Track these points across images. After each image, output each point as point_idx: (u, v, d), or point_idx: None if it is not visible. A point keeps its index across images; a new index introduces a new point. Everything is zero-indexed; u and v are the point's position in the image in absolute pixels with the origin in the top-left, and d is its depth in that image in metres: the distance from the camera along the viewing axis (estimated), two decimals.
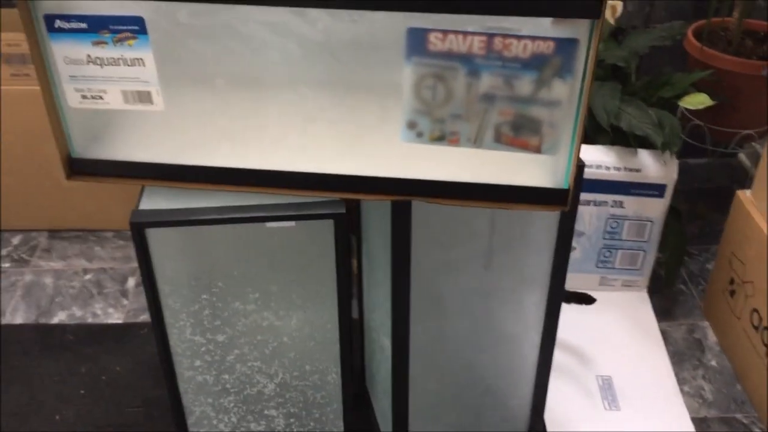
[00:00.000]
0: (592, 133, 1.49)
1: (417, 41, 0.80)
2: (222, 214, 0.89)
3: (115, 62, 0.85)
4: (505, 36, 0.79)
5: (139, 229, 0.88)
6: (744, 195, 1.42)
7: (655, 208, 1.50)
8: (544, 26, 0.77)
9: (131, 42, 0.84)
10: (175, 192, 0.92)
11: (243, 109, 0.87)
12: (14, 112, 1.63)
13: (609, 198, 1.49)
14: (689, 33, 1.67)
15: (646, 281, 1.59)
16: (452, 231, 1.01)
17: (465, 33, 0.79)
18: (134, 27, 0.83)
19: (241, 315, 0.98)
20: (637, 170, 1.47)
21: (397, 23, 0.79)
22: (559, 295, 1.10)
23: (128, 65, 0.85)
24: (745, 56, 1.63)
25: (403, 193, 0.91)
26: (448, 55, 0.81)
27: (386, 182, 0.90)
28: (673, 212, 1.52)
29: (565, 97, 0.82)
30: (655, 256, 1.56)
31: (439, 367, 1.16)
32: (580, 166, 0.97)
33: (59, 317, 1.60)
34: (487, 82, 0.82)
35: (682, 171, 1.89)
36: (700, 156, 1.88)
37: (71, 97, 0.88)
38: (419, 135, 0.87)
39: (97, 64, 0.85)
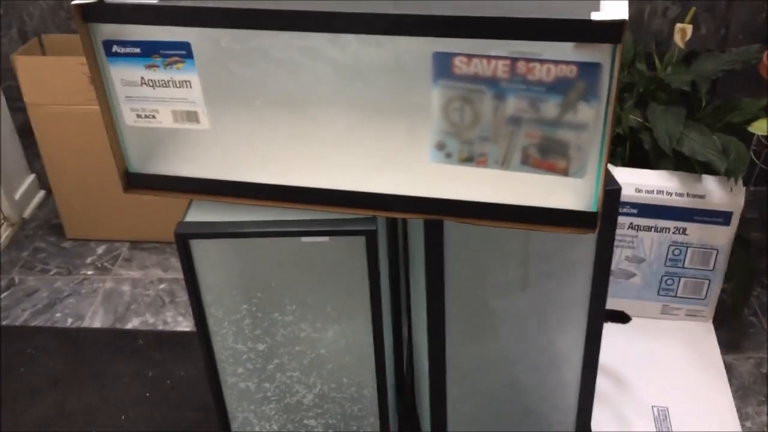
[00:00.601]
0: (655, 158, 1.46)
1: (443, 65, 0.83)
2: (260, 228, 0.94)
3: (165, 84, 0.92)
4: (528, 60, 0.80)
5: (183, 240, 0.94)
6: None
7: (721, 236, 1.45)
8: (567, 51, 0.78)
9: (179, 65, 0.90)
10: (219, 206, 0.98)
11: (281, 128, 0.92)
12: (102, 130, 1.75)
13: (671, 224, 1.46)
14: (765, 57, 1.62)
15: (712, 311, 1.54)
16: (487, 252, 1.02)
17: (489, 57, 0.81)
18: (182, 51, 0.89)
19: (280, 325, 1.02)
20: (701, 196, 1.43)
21: (422, 48, 0.82)
22: (599, 319, 1.09)
23: (177, 87, 0.91)
24: None
25: (434, 212, 0.93)
26: (474, 79, 0.83)
27: (417, 201, 0.92)
28: (740, 241, 1.47)
29: (591, 120, 0.82)
30: (721, 286, 1.51)
31: (477, 390, 1.16)
32: (613, 189, 0.97)
33: (133, 323, 1.70)
34: (512, 104, 0.84)
35: (763, 199, 1.83)
36: None
37: (128, 116, 0.95)
38: (448, 156, 0.89)
39: (150, 86, 0.92)
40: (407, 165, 0.91)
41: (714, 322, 1.55)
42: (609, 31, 0.75)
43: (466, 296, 1.05)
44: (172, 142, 0.96)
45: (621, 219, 1.46)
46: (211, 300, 1.00)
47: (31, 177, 2.11)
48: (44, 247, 1.95)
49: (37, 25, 1.90)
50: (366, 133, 0.90)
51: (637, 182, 1.45)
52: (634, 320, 1.52)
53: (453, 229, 0.97)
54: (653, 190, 1.44)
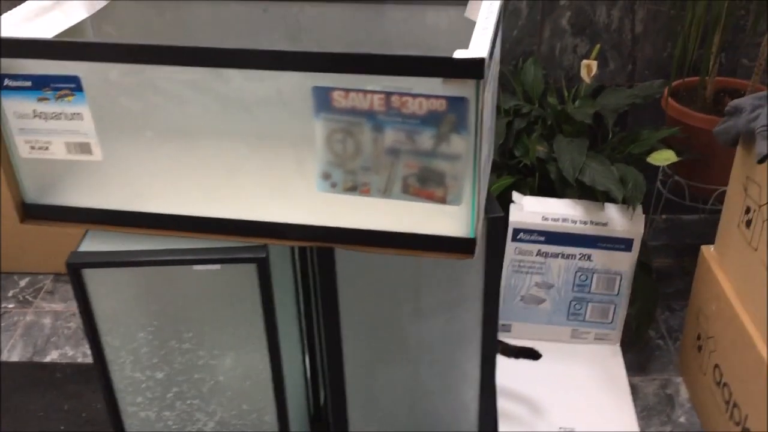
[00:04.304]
0: (561, 187, 1.52)
1: (322, 99, 0.87)
2: (152, 257, 0.96)
3: (57, 116, 0.94)
4: (401, 94, 0.84)
5: (75, 269, 0.95)
6: (708, 250, 1.42)
7: (624, 262, 1.51)
8: (436, 86, 0.83)
9: (70, 98, 0.92)
10: (115, 236, 0.99)
11: (172, 160, 0.94)
12: None
13: (577, 251, 1.51)
14: (666, 91, 1.70)
15: (619, 335, 1.59)
16: (380, 281, 1.05)
17: (365, 91, 0.85)
18: (72, 85, 0.91)
19: (178, 353, 1.03)
20: (604, 224, 1.49)
21: (303, 82, 0.86)
22: (492, 345, 1.13)
23: (69, 119, 0.93)
24: (719, 114, 1.64)
25: (322, 239, 0.96)
26: (353, 112, 0.87)
27: (306, 229, 0.95)
28: (642, 266, 1.53)
29: (463, 150, 0.87)
30: (627, 310, 1.56)
31: (379, 415, 1.19)
32: (496, 217, 1.01)
33: (52, 356, 1.68)
34: (390, 136, 0.88)
35: (674, 227, 1.90)
36: (692, 213, 1.89)
37: (21, 148, 0.97)
38: (333, 185, 0.93)
39: (42, 118, 0.94)
40: (296, 194, 0.94)
41: (622, 345, 1.60)
42: (471, 68, 0.80)
43: (362, 324, 1.08)
44: (67, 173, 0.98)
45: (529, 246, 1.51)
46: (107, 329, 1.01)
47: None
48: None
49: None
50: (254, 163, 0.93)
51: (544, 211, 1.50)
52: (546, 344, 1.56)
53: (344, 257, 1.00)
54: (559, 218, 1.49)
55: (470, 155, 0.87)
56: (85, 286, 0.97)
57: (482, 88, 0.82)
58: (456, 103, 0.83)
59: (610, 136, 1.64)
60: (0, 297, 1.87)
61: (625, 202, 1.45)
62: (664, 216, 1.97)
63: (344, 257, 1.00)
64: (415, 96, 0.84)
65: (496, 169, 1.58)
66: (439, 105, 0.84)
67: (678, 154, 1.50)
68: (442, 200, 0.91)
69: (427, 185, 0.90)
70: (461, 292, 1.08)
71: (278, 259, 1.02)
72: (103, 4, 1.11)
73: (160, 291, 0.99)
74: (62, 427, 1.51)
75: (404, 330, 1.10)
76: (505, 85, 1.72)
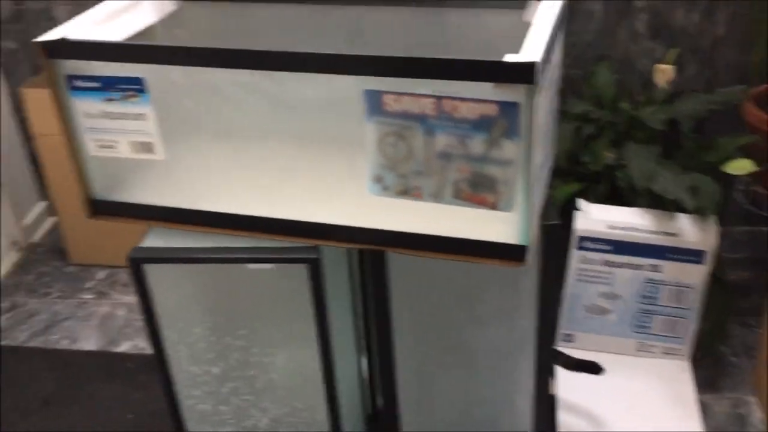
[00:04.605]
0: (629, 195, 1.48)
1: (374, 102, 0.87)
2: (208, 254, 0.98)
3: (122, 116, 0.97)
4: (452, 98, 0.84)
5: (136, 264, 0.99)
6: None
7: (695, 275, 1.46)
8: (487, 90, 0.82)
9: (134, 99, 0.96)
10: (176, 233, 1.02)
11: (228, 160, 0.97)
12: None
13: (645, 261, 1.46)
14: (746, 98, 1.62)
15: (689, 350, 1.53)
16: (432, 285, 1.05)
17: (416, 95, 0.85)
18: (136, 86, 0.94)
19: (232, 349, 1.06)
20: (675, 234, 1.44)
21: (355, 85, 0.86)
22: (548, 355, 1.10)
23: (133, 119, 0.97)
24: None
25: (372, 242, 0.96)
26: (405, 116, 0.87)
27: (356, 231, 0.96)
28: (715, 280, 1.46)
29: (515, 156, 0.85)
30: (699, 325, 1.50)
31: (431, 424, 1.18)
32: (552, 224, 0.99)
33: (124, 347, 1.75)
34: (442, 140, 0.87)
35: (753, 239, 1.82)
36: None
37: (90, 146, 1.01)
38: (385, 189, 0.93)
39: (109, 118, 0.98)
40: (347, 196, 0.95)
41: (692, 361, 1.54)
42: (522, 72, 0.79)
43: (414, 328, 1.08)
44: (132, 171, 1.01)
45: (595, 255, 1.48)
46: (166, 323, 1.04)
47: (43, 204, 2.20)
48: (48, 271, 2.02)
49: None
50: (307, 165, 0.94)
51: (611, 219, 1.46)
52: (610, 357, 1.52)
53: (396, 260, 1.00)
54: (627, 227, 1.45)
55: (522, 161, 0.85)
56: (146, 280, 1.00)
57: (535, 93, 0.80)
58: (507, 108, 0.82)
59: (684, 143, 1.59)
60: (79, 288, 1.95)
61: (698, 212, 1.39)
62: (743, 228, 1.88)
63: (396, 261, 1.00)
64: (466, 100, 0.83)
65: (563, 175, 1.55)
66: (491, 110, 0.83)
67: (757, 163, 1.44)
68: (494, 206, 0.89)
69: (479, 190, 0.89)
70: (516, 299, 1.06)
71: (333, 260, 1.02)
72: (173, 7, 1.15)
73: (216, 288, 1.02)
74: (130, 416, 1.56)
75: (457, 335, 1.09)
76: (574, 89, 1.68)
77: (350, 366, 1.23)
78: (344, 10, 1.09)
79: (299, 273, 0.98)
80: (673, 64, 1.60)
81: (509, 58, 0.79)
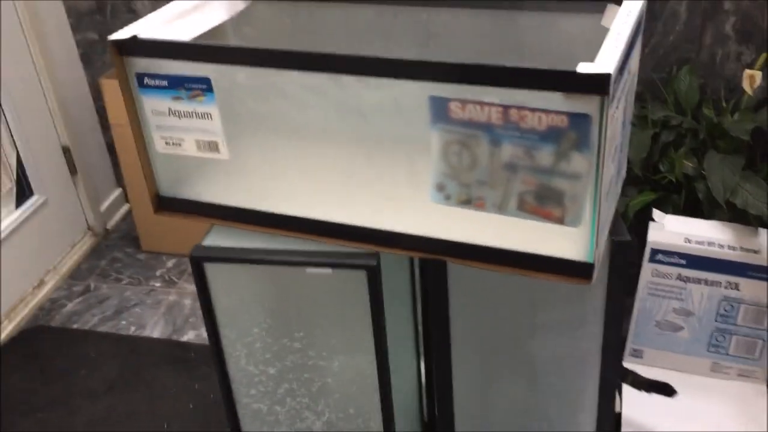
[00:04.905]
0: (708, 208, 1.41)
1: (439, 109, 0.84)
2: (268, 256, 0.98)
3: (189, 115, 0.98)
4: (520, 108, 0.81)
5: (197, 262, 0.99)
6: None
7: None
8: (557, 100, 0.78)
9: (201, 98, 0.96)
10: (236, 233, 1.03)
11: (291, 162, 0.96)
12: None
13: (722, 278, 1.39)
14: None
15: (766, 373, 1.45)
16: (493, 296, 1.02)
17: (482, 103, 0.82)
18: (203, 86, 0.95)
19: (289, 351, 1.05)
20: (756, 251, 1.36)
21: (420, 91, 0.84)
22: (613, 373, 1.06)
23: (199, 118, 0.97)
24: None
25: (433, 251, 0.94)
26: (470, 124, 0.84)
27: (417, 240, 0.94)
28: None
29: (584, 170, 0.81)
30: None
31: None
32: (623, 241, 0.95)
33: (188, 336, 1.78)
34: (508, 151, 0.84)
35: None
36: None
37: (158, 143, 1.02)
38: (447, 197, 0.90)
39: (176, 116, 0.98)
40: (408, 204, 0.93)
41: None
42: (595, 83, 0.75)
43: (473, 338, 1.05)
44: (197, 169, 1.02)
45: (668, 269, 1.41)
46: (225, 321, 1.05)
47: (118, 191, 2.26)
48: (121, 258, 2.08)
49: None
50: (370, 170, 0.92)
51: (687, 232, 1.39)
52: (682, 376, 1.46)
53: (457, 270, 0.98)
54: (704, 242, 1.38)
55: (592, 175, 0.81)
56: (206, 278, 1.01)
57: (608, 104, 0.76)
58: (578, 120, 0.78)
59: None
60: (149, 276, 2.00)
61: None
62: None
63: (457, 270, 0.97)
64: (534, 110, 0.80)
65: (638, 183, 1.49)
66: (560, 121, 0.80)
67: None
68: (560, 220, 0.86)
69: (545, 204, 0.86)
70: (580, 314, 1.02)
71: (393, 266, 1.01)
72: (244, 5, 1.15)
73: (275, 289, 1.01)
74: (191, 406, 1.59)
75: (517, 346, 1.06)
76: (655, 93, 1.61)
77: (407, 373, 1.21)
78: (415, 11, 1.06)
79: (358, 279, 0.96)
80: (762, 70, 1.51)
81: (582, 68, 0.75)
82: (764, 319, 1.40)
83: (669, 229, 1.40)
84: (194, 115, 0.97)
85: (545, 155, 0.82)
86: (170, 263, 2.04)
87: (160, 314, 1.86)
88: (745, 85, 1.52)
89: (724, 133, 1.47)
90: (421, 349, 1.23)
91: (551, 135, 0.81)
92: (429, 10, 1.05)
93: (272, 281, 1.01)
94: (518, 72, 0.78)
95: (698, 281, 1.41)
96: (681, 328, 1.46)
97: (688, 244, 1.39)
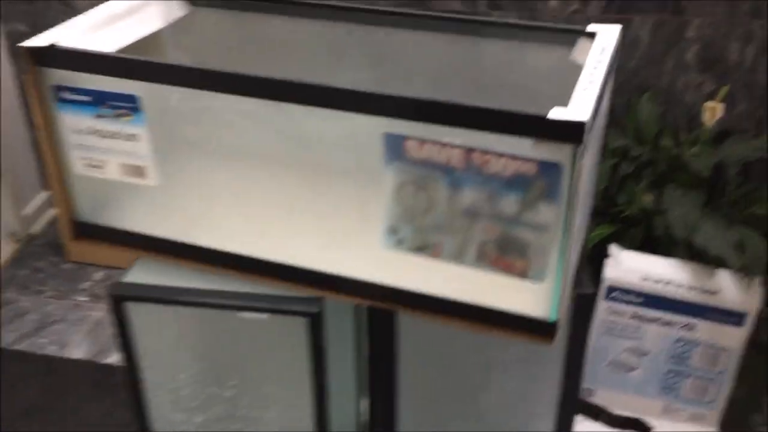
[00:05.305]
0: (667, 245, 1.36)
1: (395, 146, 0.76)
2: (197, 297, 0.88)
3: (114, 135, 0.87)
4: (484, 151, 0.73)
5: (116, 301, 0.88)
6: None
7: (733, 338, 1.33)
8: (525, 146, 0.70)
9: (128, 118, 0.85)
10: (164, 268, 0.92)
11: (228, 192, 0.86)
12: None
13: (679, 319, 1.34)
14: None
15: (718, 416, 1.41)
16: (444, 347, 0.94)
17: (443, 144, 0.74)
18: (131, 104, 0.84)
19: (219, 400, 0.95)
20: (714, 292, 1.32)
21: (373, 126, 0.75)
22: (568, 428, 0.99)
23: (125, 140, 0.86)
24: None
25: (383, 300, 0.85)
26: (428, 164, 0.76)
27: (366, 286, 0.85)
28: (754, 345, 1.34)
29: (552, 221, 0.74)
30: (731, 391, 1.38)
31: None
32: (585, 294, 0.88)
33: (114, 358, 1.65)
34: (469, 196, 0.76)
35: None
36: None
37: (76, 164, 0.91)
38: (400, 242, 0.82)
39: (99, 136, 0.87)
40: (357, 246, 0.84)
41: (721, 428, 1.42)
42: (568, 131, 0.67)
43: (421, 390, 0.97)
44: (121, 194, 0.91)
45: (624, 307, 1.36)
46: (148, 365, 0.94)
47: (44, 194, 2.11)
48: (44, 267, 1.93)
49: None
50: (315, 207, 0.83)
51: (644, 270, 1.34)
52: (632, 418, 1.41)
53: (407, 320, 0.89)
54: (662, 280, 1.33)
55: (559, 227, 0.74)
56: (127, 318, 0.90)
57: (581, 154, 0.69)
58: (547, 169, 0.71)
59: (729, 190, 1.46)
60: (74, 289, 1.86)
61: (742, 271, 1.27)
62: None
63: (407, 320, 0.89)
64: (500, 155, 0.72)
65: (596, 215, 1.43)
66: (528, 168, 0.72)
67: None
68: (523, 274, 0.78)
69: (507, 255, 0.78)
70: (537, 368, 0.95)
71: (336, 312, 0.92)
72: (183, 12, 1.04)
73: (205, 333, 0.91)
74: None
75: (468, 402, 0.98)
76: (615, 120, 1.56)
77: (348, 422, 1.12)
78: (371, 31, 0.97)
79: (298, 326, 0.87)
80: (723, 102, 1.47)
81: (555, 113, 0.67)
82: (719, 361, 1.36)
83: (626, 266, 1.34)
84: (120, 136, 0.86)
85: (509, 203, 0.75)
86: (98, 275, 1.91)
87: (84, 332, 1.73)
88: (706, 118, 1.48)
89: (683, 167, 1.43)
90: (364, 397, 1.14)
91: (517, 182, 0.73)
92: (386, 29, 0.96)
93: (202, 324, 0.91)
94: (484, 113, 0.70)
95: (654, 321, 1.36)
96: (634, 368, 1.40)
97: (645, 283, 1.33)
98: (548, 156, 0.70)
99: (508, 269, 0.78)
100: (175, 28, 1.02)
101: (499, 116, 0.69)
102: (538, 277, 0.77)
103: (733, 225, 1.31)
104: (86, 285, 1.87)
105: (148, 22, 1.00)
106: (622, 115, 1.59)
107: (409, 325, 0.90)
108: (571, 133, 0.67)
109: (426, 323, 0.85)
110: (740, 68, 1.59)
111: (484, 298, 0.81)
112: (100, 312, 1.78)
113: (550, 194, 0.72)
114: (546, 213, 0.74)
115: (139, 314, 0.90)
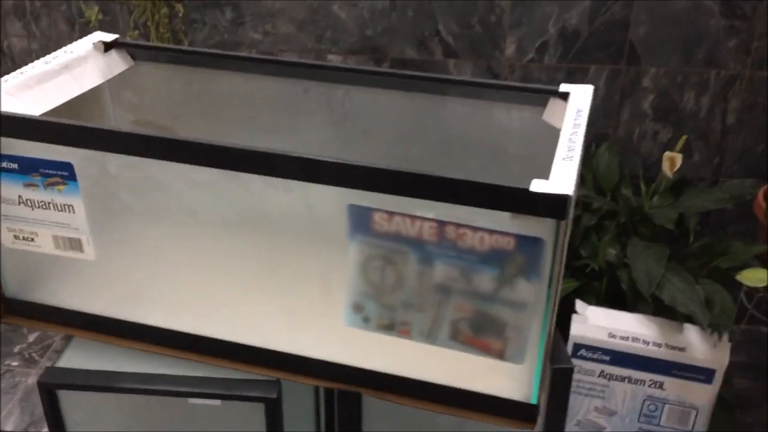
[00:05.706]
0: (633, 299, 1.32)
1: (360, 219, 0.70)
2: (140, 383, 0.79)
3: (45, 206, 0.78)
4: (458, 225, 0.67)
5: (47, 389, 0.79)
6: None
7: (702, 395, 1.29)
8: (504, 220, 0.65)
9: (61, 187, 0.77)
10: (102, 349, 0.83)
11: (175, 267, 0.78)
12: None
13: (647, 376, 1.30)
14: (759, 195, 1.49)
15: None
16: (414, 425, 0.87)
17: (413, 217, 0.68)
18: (64, 172, 0.76)
19: None
20: (682, 349, 1.28)
21: (338, 198, 0.69)
22: None
23: (59, 210, 0.78)
24: None
25: (347, 382, 0.78)
26: (397, 238, 0.70)
27: (329, 367, 0.78)
28: (723, 402, 1.31)
29: (531, 299, 0.68)
30: None
31: None
32: (564, 368, 0.82)
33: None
34: (441, 272, 0.70)
35: (754, 341, 1.67)
36: None
37: (5, 237, 0.82)
38: (366, 320, 0.75)
39: (29, 206, 0.79)
40: (319, 324, 0.77)
41: None
42: (551, 206, 0.62)
43: None
44: (55, 269, 0.82)
45: (591, 365, 1.31)
46: None
47: None
48: None
49: None
50: (273, 282, 0.76)
51: (611, 326, 1.29)
52: None
53: (373, 402, 0.82)
54: (629, 337, 1.29)
55: (540, 305, 0.68)
56: (60, 407, 0.81)
57: (564, 228, 0.64)
58: (528, 244, 0.65)
59: (691, 240, 1.44)
60: (5, 352, 1.73)
61: (710, 329, 1.24)
62: (742, 326, 1.74)
63: (373, 403, 0.82)
64: (476, 229, 0.66)
65: None
66: (506, 243, 0.66)
67: None
68: (500, 355, 0.72)
69: (483, 335, 0.72)
70: None
71: (295, 395, 0.84)
72: (126, 66, 0.97)
73: (151, 421, 0.82)
74: None
75: None
76: None
77: None
78: (327, 88, 0.91)
79: (254, 412, 0.79)
80: (680, 152, 1.45)
81: (536, 186, 0.62)
82: (689, 420, 1.32)
83: (592, 323, 1.30)
84: (52, 206, 0.78)
85: (486, 280, 0.69)
86: (32, 337, 1.78)
87: (15, 401, 1.60)
88: (665, 168, 1.46)
89: (645, 218, 1.40)
90: None
91: (494, 257, 0.67)
92: (345, 87, 0.91)
93: (145, 412, 0.82)
94: (459, 185, 0.64)
95: (622, 379, 1.31)
96: (603, 428, 1.35)
97: (612, 340, 1.29)
98: (529, 231, 0.64)
99: (485, 349, 0.72)
100: (118, 83, 0.95)
101: (475, 188, 0.64)
102: (517, 358, 0.71)
103: (699, 280, 1.28)
104: (18, 348, 1.74)
105: (87, 78, 0.92)
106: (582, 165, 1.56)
107: (376, 405, 0.83)
108: (554, 207, 0.62)
109: (394, 405, 0.78)
110: (696, 117, 1.59)
111: (457, 380, 0.75)
112: (34, 378, 1.66)
113: (529, 270, 0.67)
114: (525, 290, 0.68)
115: (73, 403, 0.81)
